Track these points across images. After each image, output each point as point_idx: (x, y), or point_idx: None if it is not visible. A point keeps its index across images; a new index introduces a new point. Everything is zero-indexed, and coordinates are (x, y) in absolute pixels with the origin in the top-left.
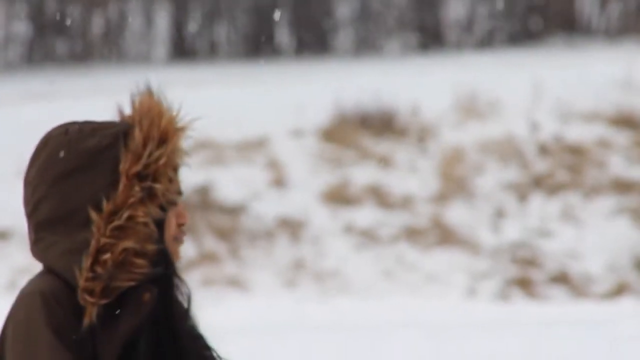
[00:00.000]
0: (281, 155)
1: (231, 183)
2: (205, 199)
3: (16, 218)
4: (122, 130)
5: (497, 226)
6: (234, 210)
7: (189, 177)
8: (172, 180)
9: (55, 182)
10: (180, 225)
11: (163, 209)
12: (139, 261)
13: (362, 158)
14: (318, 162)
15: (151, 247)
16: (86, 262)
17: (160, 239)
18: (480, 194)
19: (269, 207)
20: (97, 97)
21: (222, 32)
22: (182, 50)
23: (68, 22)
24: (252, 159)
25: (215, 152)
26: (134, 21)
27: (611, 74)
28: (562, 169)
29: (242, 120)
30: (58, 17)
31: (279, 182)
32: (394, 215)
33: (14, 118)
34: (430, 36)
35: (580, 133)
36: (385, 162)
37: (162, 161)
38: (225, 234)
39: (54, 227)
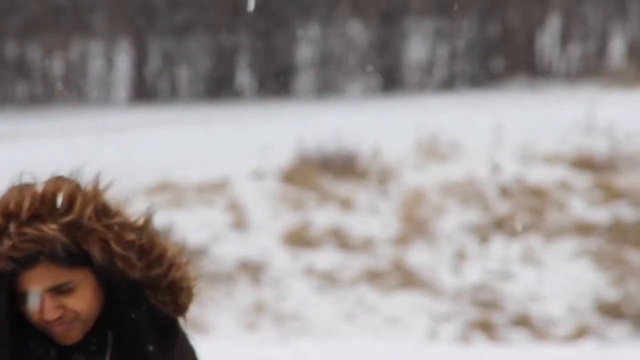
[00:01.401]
0: (242, 197)
1: (192, 225)
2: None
3: None
4: None
5: (458, 268)
6: (195, 253)
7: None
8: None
9: None
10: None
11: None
12: None
13: (323, 200)
14: (279, 204)
15: None
16: None
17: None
18: (441, 236)
19: (229, 249)
20: (57, 139)
21: (183, 73)
22: (143, 91)
23: (28, 64)
24: (213, 200)
25: (176, 194)
26: (95, 63)
27: (572, 116)
28: (523, 211)
29: (202, 162)
30: (18, 59)
31: (240, 224)
32: (355, 258)
33: None
34: (391, 78)
35: (541, 175)
36: (347, 203)
37: None
38: None
39: None
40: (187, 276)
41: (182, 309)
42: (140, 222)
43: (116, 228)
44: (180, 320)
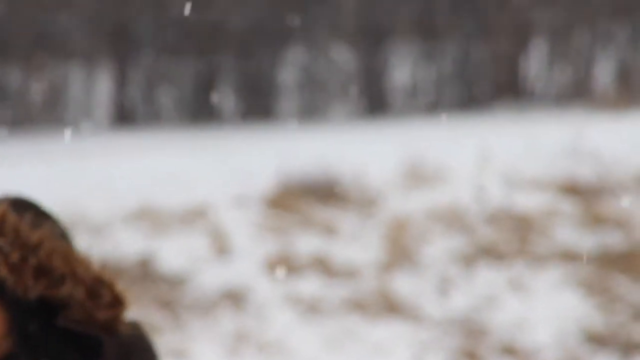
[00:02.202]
0: (224, 223)
1: (173, 252)
2: (146, 269)
3: None
4: None
5: (443, 296)
6: (176, 280)
7: (130, 246)
8: None
9: None
10: None
11: None
12: None
13: (306, 226)
14: (261, 231)
15: None
16: None
17: None
18: (426, 262)
19: (211, 276)
20: (36, 164)
21: (164, 97)
22: (124, 116)
23: (6, 87)
24: (195, 227)
25: (157, 220)
26: (74, 87)
27: (559, 141)
28: (509, 238)
29: (184, 187)
30: None
31: (221, 250)
32: (339, 285)
33: None
34: (376, 102)
35: (527, 201)
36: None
37: None
38: (167, 305)
39: None
40: (103, 293)
41: (106, 328)
42: (34, 242)
43: (5, 249)
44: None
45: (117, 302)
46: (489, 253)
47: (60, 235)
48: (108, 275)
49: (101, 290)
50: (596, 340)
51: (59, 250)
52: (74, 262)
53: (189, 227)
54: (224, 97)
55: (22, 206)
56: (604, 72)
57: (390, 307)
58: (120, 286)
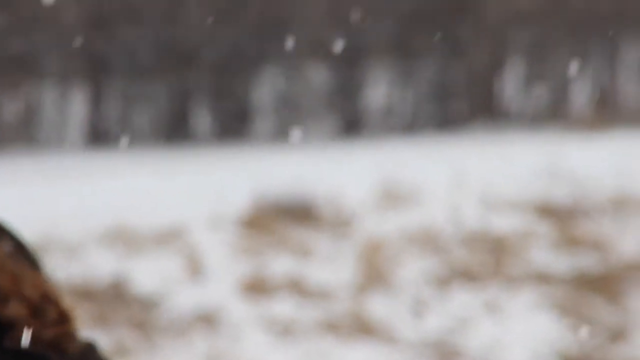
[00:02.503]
0: (198, 244)
1: (147, 274)
2: (119, 290)
3: None
4: None
5: (417, 318)
6: (150, 302)
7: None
8: None
9: None
10: None
11: None
12: None
13: (281, 247)
14: (236, 252)
15: None
16: None
17: None
18: (401, 284)
19: (185, 298)
20: (9, 184)
21: (139, 117)
22: (98, 136)
23: None
24: (169, 248)
25: (131, 241)
26: (48, 107)
27: (535, 162)
28: (484, 260)
29: (158, 208)
30: None
31: (196, 272)
32: (313, 306)
33: None
34: (351, 121)
35: (502, 222)
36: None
37: None
38: (140, 327)
39: None
40: (48, 311)
41: (53, 346)
42: None
43: None
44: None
45: (64, 320)
46: (464, 275)
47: (11, 252)
48: (54, 292)
49: (46, 308)
50: None
51: (6, 269)
52: (21, 280)
53: (163, 248)
54: (199, 118)
55: None
56: (580, 93)
57: (364, 328)
58: (67, 302)
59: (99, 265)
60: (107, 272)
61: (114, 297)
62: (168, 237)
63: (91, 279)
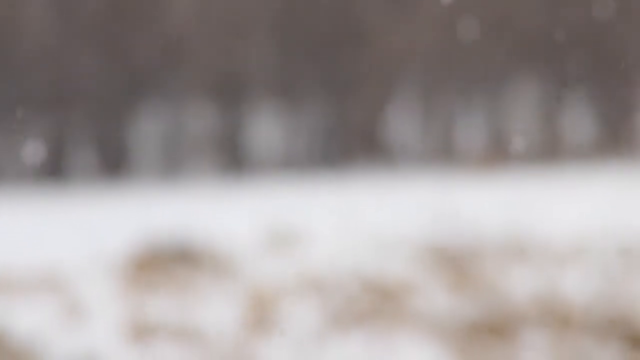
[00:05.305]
0: (77, 288)
1: (23, 318)
2: None
3: None
4: None
5: None
6: (26, 348)
7: None
8: None
9: None
10: None
11: None
12: None
13: (162, 290)
14: (116, 296)
15: None
16: None
17: None
18: (284, 328)
19: (65, 344)
20: None
21: (15, 152)
22: None
23: None
24: (46, 293)
25: (2, 285)
26: None
27: (424, 202)
28: (368, 305)
29: (34, 251)
30: None
31: (75, 316)
32: (194, 352)
33: None
34: (235, 159)
35: (390, 264)
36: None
37: None
38: None
39: None
40: None
41: None
42: None
43: None
44: None
45: None
46: (350, 319)
47: None
48: None
49: None
50: None
51: None
52: None
53: (40, 292)
54: (80, 155)
55: None
56: (471, 132)
57: None
58: None
59: None
60: None
61: None
62: (44, 282)
63: None
